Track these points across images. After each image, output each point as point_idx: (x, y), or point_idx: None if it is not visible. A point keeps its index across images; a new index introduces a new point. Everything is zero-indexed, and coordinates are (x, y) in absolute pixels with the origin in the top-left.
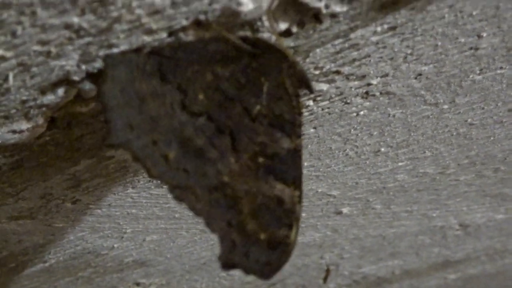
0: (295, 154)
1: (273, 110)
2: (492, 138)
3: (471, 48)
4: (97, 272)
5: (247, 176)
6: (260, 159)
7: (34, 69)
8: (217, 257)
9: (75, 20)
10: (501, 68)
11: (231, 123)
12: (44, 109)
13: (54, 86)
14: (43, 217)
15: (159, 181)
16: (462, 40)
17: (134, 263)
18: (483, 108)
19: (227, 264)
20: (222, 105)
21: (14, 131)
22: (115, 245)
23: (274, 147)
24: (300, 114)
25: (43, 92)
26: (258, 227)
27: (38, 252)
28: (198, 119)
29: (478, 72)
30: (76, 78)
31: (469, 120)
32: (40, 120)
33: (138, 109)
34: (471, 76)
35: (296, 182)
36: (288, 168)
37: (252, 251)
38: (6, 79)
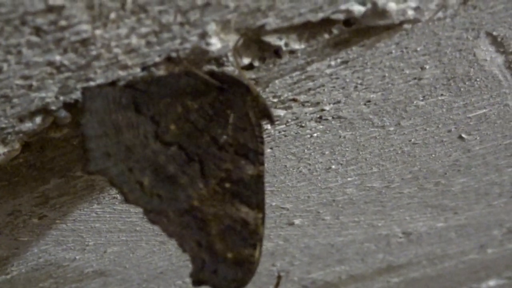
0: (258, 179)
1: (238, 139)
2: (433, 155)
3: (415, 78)
4: (57, 283)
5: (215, 200)
6: (227, 185)
7: (15, 100)
8: (189, 274)
9: (57, 58)
10: (441, 95)
11: (200, 151)
12: (21, 135)
13: (32, 115)
14: (9, 232)
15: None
16: (407, 71)
17: (94, 273)
18: (425, 130)
19: (197, 280)
20: (191, 135)
21: None
22: (77, 257)
23: (239, 173)
24: (263, 142)
25: (21, 120)
26: (225, 247)
27: (1, 264)
28: (170, 148)
29: (421, 98)
30: (53, 107)
31: (412, 140)
32: (16, 145)
33: (114, 138)
34: (415, 102)
35: (259, 205)
36: (252, 193)
37: (220, 269)
38: None
